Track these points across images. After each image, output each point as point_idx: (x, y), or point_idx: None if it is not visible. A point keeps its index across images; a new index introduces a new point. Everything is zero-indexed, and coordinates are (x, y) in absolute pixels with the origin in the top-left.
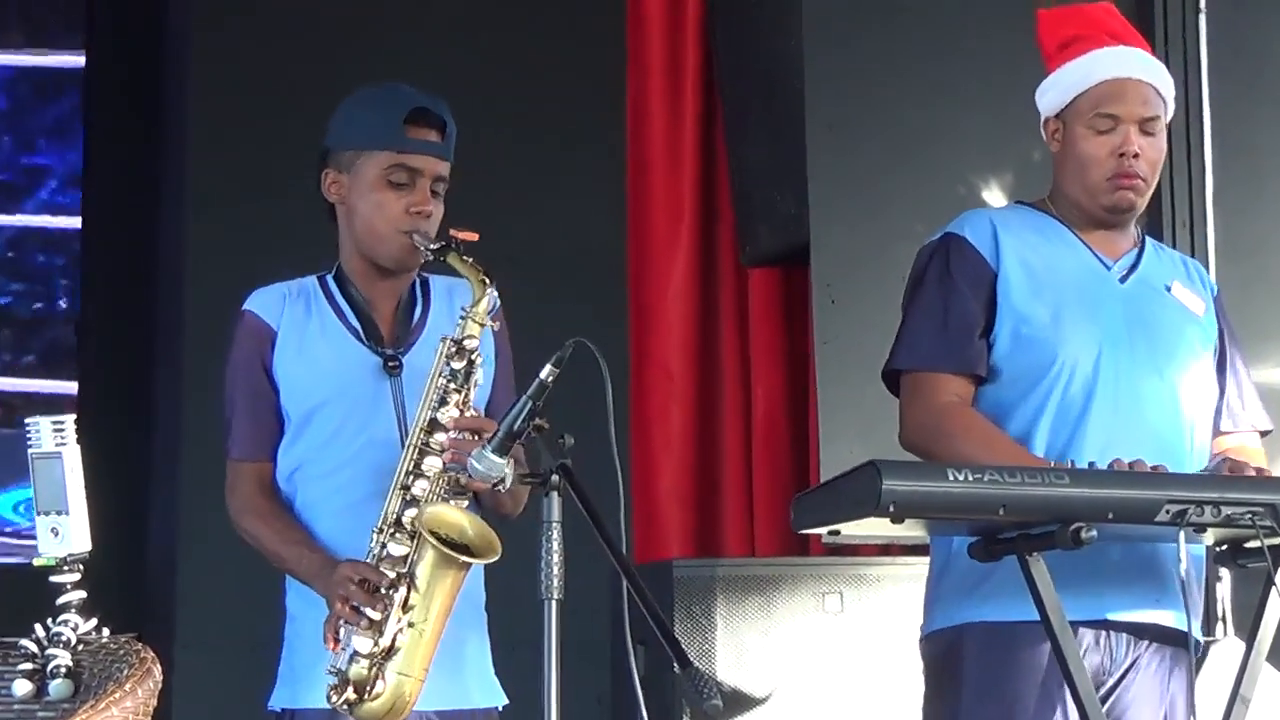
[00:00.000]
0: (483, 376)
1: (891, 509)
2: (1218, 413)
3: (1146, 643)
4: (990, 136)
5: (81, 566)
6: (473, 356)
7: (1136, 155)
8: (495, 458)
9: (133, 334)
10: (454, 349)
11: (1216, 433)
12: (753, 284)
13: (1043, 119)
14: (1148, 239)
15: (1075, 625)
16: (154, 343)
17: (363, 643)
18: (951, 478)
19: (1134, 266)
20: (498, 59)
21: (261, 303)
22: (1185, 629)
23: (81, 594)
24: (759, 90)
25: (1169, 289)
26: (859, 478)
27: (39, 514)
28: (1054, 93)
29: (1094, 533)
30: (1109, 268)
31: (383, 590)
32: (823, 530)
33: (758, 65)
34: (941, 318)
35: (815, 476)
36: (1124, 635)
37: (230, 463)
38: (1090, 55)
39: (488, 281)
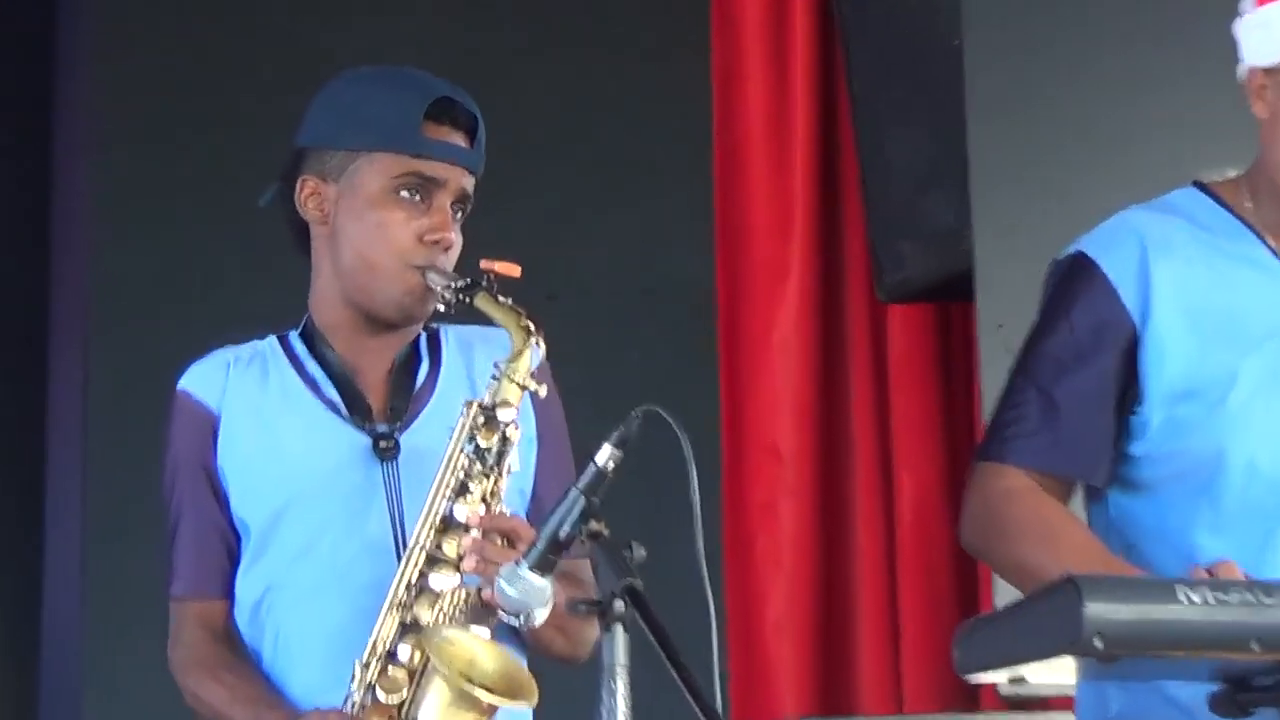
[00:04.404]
0: (518, 461)
1: (1098, 644)
2: None
3: None
4: (1210, 124)
5: None
6: (507, 431)
7: None
8: (534, 578)
9: (20, 408)
10: (481, 419)
11: None
12: (893, 327)
13: (1246, 69)
14: None
15: None
16: (46, 429)
17: None
18: (1184, 599)
19: None
20: (542, 46)
21: (198, 378)
22: None
23: None
24: (900, 64)
25: None
26: (1051, 600)
27: None
28: (1263, 36)
29: None
30: None
31: None
32: (1001, 675)
33: (898, 32)
34: (1046, 397)
35: (987, 599)
36: None
37: (172, 603)
38: None
39: (532, 329)
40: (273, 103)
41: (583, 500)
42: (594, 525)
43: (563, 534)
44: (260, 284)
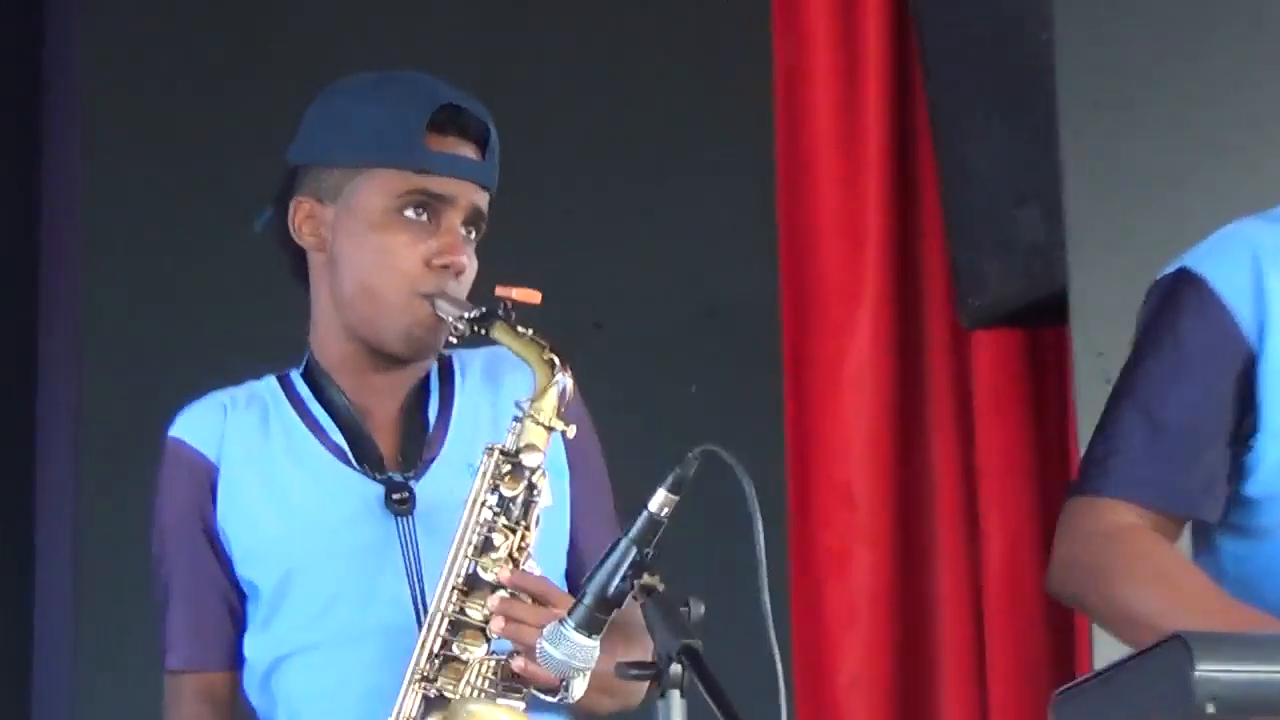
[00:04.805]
0: (549, 496)
1: (1212, 710)
2: None
3: None
4: None
5: None
6: (534, 478)
7: None
8: (580, 637)
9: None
10: (505, 466)
11: None
12: (978, 355)
13: None
14: None
15: None
16: (35, 455)
17: None
18: None
19: None
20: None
21: (193, 425)
22: None
23: None
24: (984, 61)
25: None
26: (1158, 661)
27: None
28: None
29: None
30: None
31: None
32: None
33: (980, 26)
34: (1151, 420)
35: (1086, 659)
36: None
37: (167, 676)
38: None
39: (557, 362)
40: (281, 109)
41: (634, 551)
42: (647, 579)
43: (612, 589)
44: (265, 297)
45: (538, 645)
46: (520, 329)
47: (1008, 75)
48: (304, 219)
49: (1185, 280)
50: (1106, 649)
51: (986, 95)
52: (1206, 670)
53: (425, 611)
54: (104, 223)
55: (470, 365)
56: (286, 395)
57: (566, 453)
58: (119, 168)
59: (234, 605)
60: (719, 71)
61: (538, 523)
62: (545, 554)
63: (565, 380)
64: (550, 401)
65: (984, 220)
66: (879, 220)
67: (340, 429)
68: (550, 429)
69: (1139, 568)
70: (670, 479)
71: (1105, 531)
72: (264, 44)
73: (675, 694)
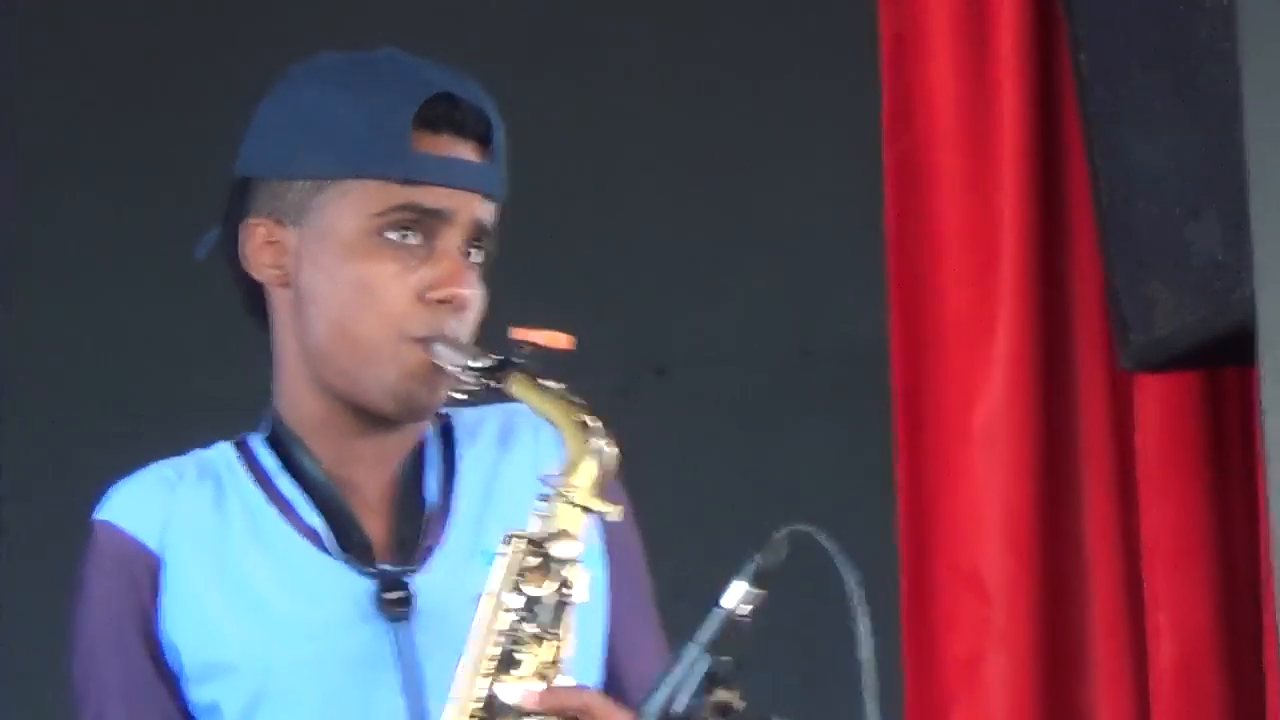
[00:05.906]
0: (585, 591)
1: None
2: None
3: None
4: None
5: None
6: (567, 572)
7: None
8: None
9: None
10: (532, 559)
11: None
12: (1143, 405)
13: None
14: None
15: None
16: None
17: None
18: None
19: None
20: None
21: (128, 506)
22: None
23: None
24: (1147, 35)
25: None
26: None
27: None
28: None
29: None
30: None
31: None
32: None
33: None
34: None
35: None
36: None
37: None
38: None
39: (589, 425)
40: (233, 116)
41: (706, 660)
42: (722, 695)
43: (678, 707)
44: (216, 344)
45: None
46: (544, 382)
47: (1179, 48)
48: (260, 246)
49: None
50: None
51: (1152, 73)
52: None
53: None
54: (23, 253)
55: (481, 426)
56: (247, 466)
57: (603, 538)
58: (47, 191)
59: None
60: (808, 43)
61: (571, 629)
62: (577, 663)
63: (604, 449)
64: (587, 476)
65: (1150, 234)
66: (1015, 234)
67: (317, 508)
68: (587, 510)
69: None
70: (750, 567)
71: None
72: (211, 48)
73: None
